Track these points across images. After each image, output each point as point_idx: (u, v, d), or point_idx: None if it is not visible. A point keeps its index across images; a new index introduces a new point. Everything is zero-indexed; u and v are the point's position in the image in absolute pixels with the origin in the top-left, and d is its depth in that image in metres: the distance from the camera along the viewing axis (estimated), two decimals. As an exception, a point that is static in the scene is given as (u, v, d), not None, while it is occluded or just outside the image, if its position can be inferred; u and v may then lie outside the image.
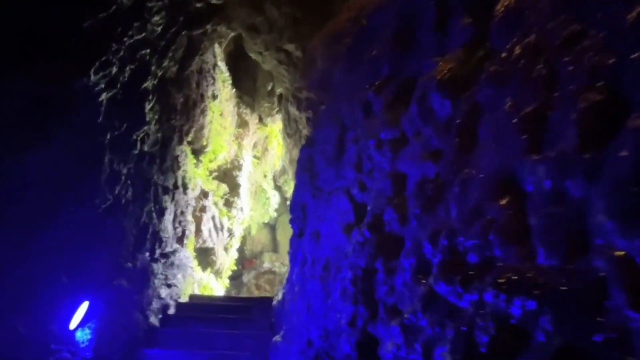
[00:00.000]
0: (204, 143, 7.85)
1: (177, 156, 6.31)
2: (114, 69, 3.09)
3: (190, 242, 7.23)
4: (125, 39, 3.08)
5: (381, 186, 2.56)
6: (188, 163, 7.28)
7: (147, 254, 5.03)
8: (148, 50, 3.64)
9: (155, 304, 5.25)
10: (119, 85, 3.29)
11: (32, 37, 2.37)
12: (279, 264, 15.06)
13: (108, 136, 3.35)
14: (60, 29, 2.46)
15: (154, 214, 5.04)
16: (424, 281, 1.90)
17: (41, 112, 2.60)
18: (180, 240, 6.61)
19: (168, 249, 5.84)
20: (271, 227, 15.29)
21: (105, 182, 3.45)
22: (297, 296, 3.91)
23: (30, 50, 2.38)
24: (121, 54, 3.10)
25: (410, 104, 2.47)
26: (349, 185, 3.30)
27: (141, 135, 3.92)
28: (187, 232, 6.82)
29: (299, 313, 3.67)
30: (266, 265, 14.87)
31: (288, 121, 7.77)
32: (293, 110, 7.09)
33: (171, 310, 5.80)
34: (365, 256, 2.43)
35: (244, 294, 14.42)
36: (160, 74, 4.09)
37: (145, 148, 4.10)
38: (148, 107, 3.93)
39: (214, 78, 7.78)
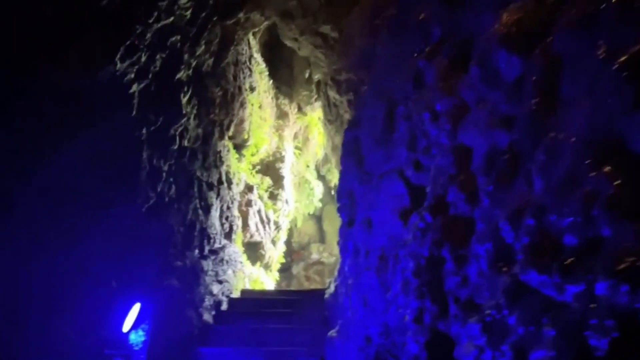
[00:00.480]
0: (245, 137, 7.73)
1: (220, 151, 6.21)
2: (143, 57, 2.92)
3: (238, 237, 7.17)
4: (151, 21, 2.90)
5: (441, 163, 2.26)
6: (231, 158, 7.19)
7: (197, 251, 4.95)
8: (178, 37, 3.46)
9: (208, 301, 5.18)
10: (150, 76, 3.12)
11: (50, 25, 2.22)
12: (327, 254, 14.93)
13: (144, 131, 3.21)
14: (76, 11, 2.30)
15: (199, 211, 4.94)
16: (505, 269, 1.60)
17: (71, 108, 2.48)
18: (228, 235, 6.53)
19: (217, 245, 5.76)
20: (317, 217, 15.16)
21: (146, 180, 3.32)
22: (351, 289, 3.67)
23: (49, 40, 2.25)
24: (148, 38, 2.92)
25: (469, 67, 2.15)
26: (402, 166, 3.01)
27: (179, 129, 3.78)
28: (234, 227, 6.74)
29: (355, 307, 3.44)
30: (314, 256, 14.78)
31: (328, 107, 7.51)
32: (333, 94, 6.82)
33: (224, 306, 5.73)
34: (429, 244, 2.14)
35: (294, 286, 14.41)
36: (194, 64, 3.93)
37: (185, 143, 3.96)
38: (184, 99, 3.77)
39: (250, 70, 7.63)
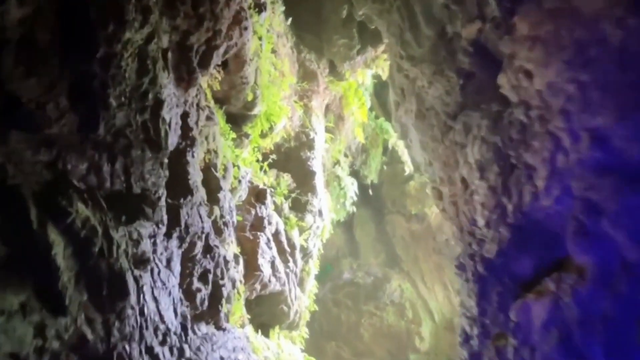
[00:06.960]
0: (249, 97, 3.87)
1: (185, 114, 2.40)
2: None
3: (236, 300, 3.33)
4: None
5: None
6: (218, 138, 3.37)
7: None
8: None
9: None
10: None
11: None
12: (362, 273, 11.09)
13: None
14: None
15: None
16: None
17: None
18: (211, 312, 2.71)
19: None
20: (346, 225, 11.29)
21: None
22: None
23: None
24: None
25: None
26: None
27: None
28: (225, 290, 2.89)
29: None
30: (346, 275, 10.96)
31: (411, 30, 3.67)
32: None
33: None
34: None
35: (319, 313, 10.61)
36: None
37: None
38: None
39: (255, -31, 3.74)
